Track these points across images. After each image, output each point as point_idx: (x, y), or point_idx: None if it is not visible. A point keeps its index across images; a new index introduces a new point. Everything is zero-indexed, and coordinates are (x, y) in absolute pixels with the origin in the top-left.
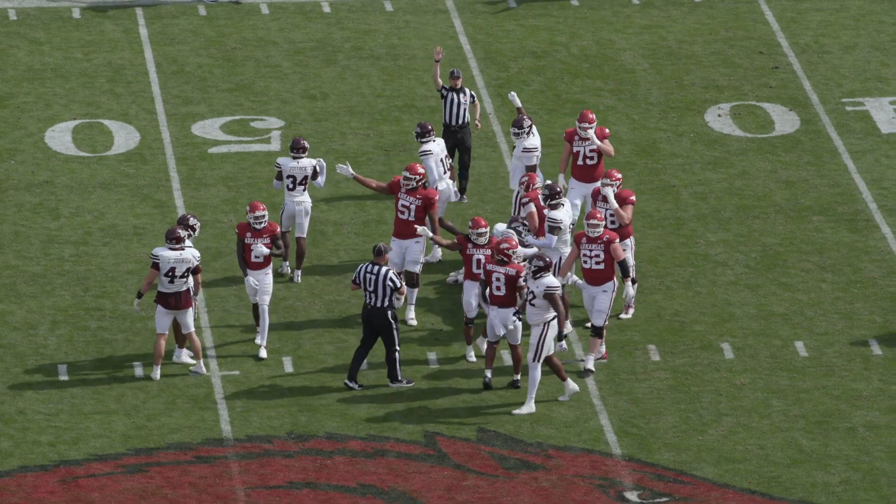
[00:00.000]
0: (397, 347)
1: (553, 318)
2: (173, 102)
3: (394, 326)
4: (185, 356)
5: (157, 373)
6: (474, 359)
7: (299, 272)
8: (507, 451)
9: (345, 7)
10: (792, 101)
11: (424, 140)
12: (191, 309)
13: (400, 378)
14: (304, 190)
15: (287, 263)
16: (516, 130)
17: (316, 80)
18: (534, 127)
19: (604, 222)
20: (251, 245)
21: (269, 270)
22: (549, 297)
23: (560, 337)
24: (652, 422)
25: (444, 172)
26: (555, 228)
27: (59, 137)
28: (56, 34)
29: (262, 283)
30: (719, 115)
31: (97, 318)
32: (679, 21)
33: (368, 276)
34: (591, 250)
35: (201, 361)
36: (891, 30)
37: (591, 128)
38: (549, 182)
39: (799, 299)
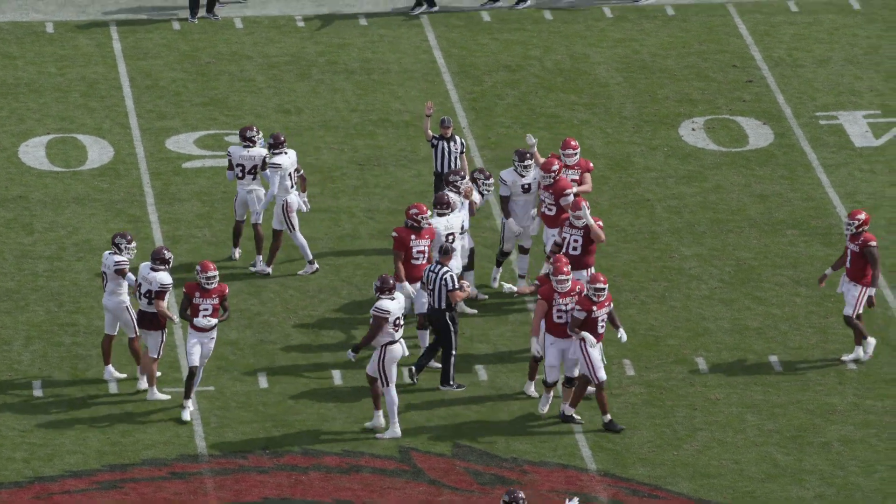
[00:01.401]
0: (453, 352)
1: (391, 343)
2: (147, 117)
3: (451, 329)
4: (157, 395)
5: (154, 394)
6: (535, 393)
7: (267, 266)
8: (483, 467)
9: (318, 21)
10: (766, 115)
11: (276, 152)
12: (157, 333)
13: (451, 382)
14: (253, 179)
15: (260, 258)
16: (528, 162)
17: (290, 95)
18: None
19: (570, 275)
20: (199, 304)
21: (214, 335)
22: (373, 317)
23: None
24: (627, 436)
25: (292, 186)
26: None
27: (33, 152)
28: (29, 49)
29: (206, 347)
30: (693, 129)
31: (71, 334)
32: (652, 35)
33: (430, 275)
34: (565, 304)
35: (154, 388)
36: (864, 43)
37: (576, 153)
38: (437, 193)
39: (773, 313)
